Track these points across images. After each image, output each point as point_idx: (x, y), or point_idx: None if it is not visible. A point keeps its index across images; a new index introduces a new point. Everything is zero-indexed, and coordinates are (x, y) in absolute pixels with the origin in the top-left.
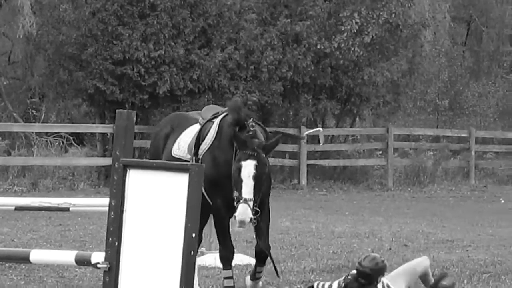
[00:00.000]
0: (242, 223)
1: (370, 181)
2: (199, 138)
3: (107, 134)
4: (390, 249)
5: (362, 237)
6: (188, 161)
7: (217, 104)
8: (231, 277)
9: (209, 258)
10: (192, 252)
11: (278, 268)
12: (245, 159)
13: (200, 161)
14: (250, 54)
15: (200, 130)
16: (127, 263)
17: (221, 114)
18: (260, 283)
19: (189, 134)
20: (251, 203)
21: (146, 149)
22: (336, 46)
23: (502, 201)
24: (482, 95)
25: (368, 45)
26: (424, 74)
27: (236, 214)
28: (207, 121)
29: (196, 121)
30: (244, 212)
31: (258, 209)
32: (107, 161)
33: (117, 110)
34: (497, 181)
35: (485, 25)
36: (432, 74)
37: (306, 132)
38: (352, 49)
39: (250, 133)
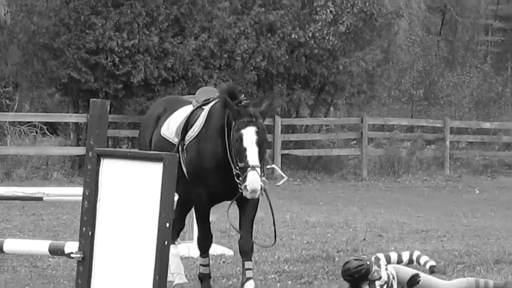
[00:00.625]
0: (254, 192)
1: (345, 171)
2: (188, 124)
3: (80, 124)
4: (364, 239)
5: (336, 227)
6: (175, 145)
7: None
8: (208, 265)
9: (183, 248)
10: (166, 242)
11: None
12: (245, 127)
13: (186, 148)
14: (223, 43)
15: (190, 115)
16: (101, 253)
17: (212, 101)
18: (253, 282)
19: (180, 115)
20: (258, 170)
21: (120, 138)
22: (310, 36)
23: (477, 191)
24: (457, 85)
25: (343, 34)
26: (399, 64)
27: (246, 183)
28: (198, 107)
29: (190, 103)
30: (255, 179)
31: (265, 180)
32: (81, 150)
33: (91, 100)
34: (472, 171)
35: (460, 14)
36: (406, 63)
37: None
38: (327, 38)
39: (243, 103)
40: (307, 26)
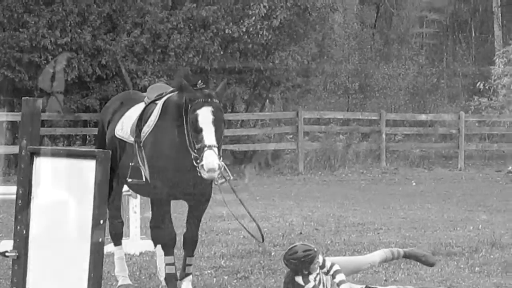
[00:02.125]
0: (211, 171)
1: (281, 165)
2: (141, 120)
3: (17, 122)
4: (301, 233)
5: (272, 221)
6: (131, 144)
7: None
8: (173, 264)
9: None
10: (100, 239)
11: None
12: (200, 107)
13: (142, 145)
14: (156, 38)
15: (143, 111)
16: (35, 251)
17: (165, 95)
18: (191, 277)
19: (133, 113)
20: (216, 150)
21: (56, 136)
22: (244, 30)
23: (414, 184)
24: (392, 78)
25: (277, 28)
26: (334, 57)
27: (203, 162)
28: (150, 102)
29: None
30: (212, 158)
31: (223, 163)
32: (16, 149)
33: (23, 98)
34: (408, 163)
35: (394, 7)
36: (342, 57)
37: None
38: (261, 33)
39: (199, 86)
40: (240, 21)
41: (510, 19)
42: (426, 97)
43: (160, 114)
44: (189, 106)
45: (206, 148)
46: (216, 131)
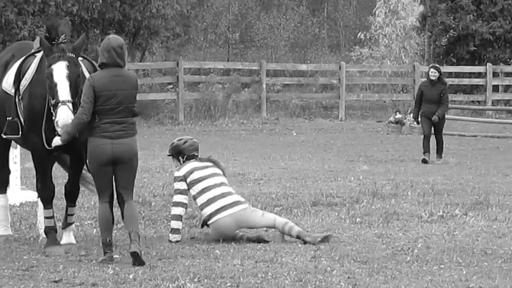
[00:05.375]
0: (65, 127)
1: (161, 116)
2: (20, 73)
3: None
4: None
5: (153, 171)
6: (12, 96)
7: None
8: (52, 217)
9: None
10: None
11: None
12: (55, 62)
13: (21, 98)
14: None
15: (21, 64)
16: None
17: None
18: (73, 227)
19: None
20: (70, 105)
21: None
22: None
23: (294, 134)
24: (273, 28)
25: None
26: (214, 7)
27: (57, 119)
28: (30, 54)
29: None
30: (65, 114)
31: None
32: None
33: None
34: (288, 113)
35: None
36: (222, 6)
37: None
38: None
39: (59, 41)
40: None
41: None
42: (307, 48)
43: (37, 67)
44: (46, 61)
45: (60, 104)
46: (70, 86)
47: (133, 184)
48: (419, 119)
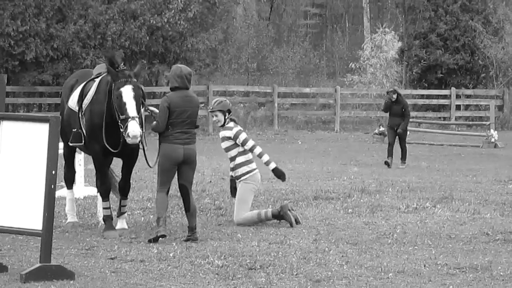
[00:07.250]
0: (135, 138)
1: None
2: (82, 94)
3: None
4: (210, 181)
5: None
6: (77, 112)
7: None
8: (109, 208)
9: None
10: (52, 186)
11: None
12: (123, 86)
13: (83, 114)
14: (97, 27)
15: (84, 86)
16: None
17: (103, 74)
18: (125, 215)
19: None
20: (137, 120)
21: (17, 104)
22: (165, 21)
23: (300, 143)
24: (283, 59)
25: (191, 19)
26: (237, 42)
27: (128, 131)
28: (90, 79)
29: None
30: (135, 127)
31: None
32: None
33: None
34: (295, 126)
35: (284, 3)
36: (243, 42)
37: None
38: (179, 22)
39: (121, 68)
40: (162, 13)
41: (376, 13)
42: (310, 75)
43: (96, 89)
44: (114, 84)
45: (130, 119)
46: (136, 104)
47: (193, 178)
48: (385, 130)
